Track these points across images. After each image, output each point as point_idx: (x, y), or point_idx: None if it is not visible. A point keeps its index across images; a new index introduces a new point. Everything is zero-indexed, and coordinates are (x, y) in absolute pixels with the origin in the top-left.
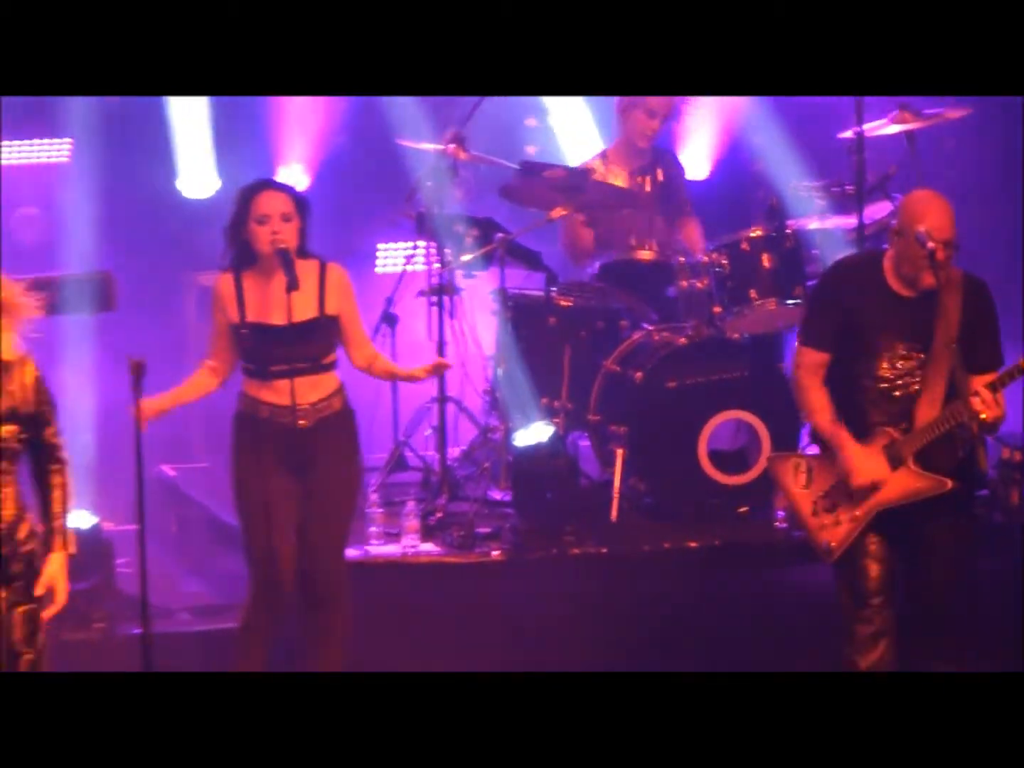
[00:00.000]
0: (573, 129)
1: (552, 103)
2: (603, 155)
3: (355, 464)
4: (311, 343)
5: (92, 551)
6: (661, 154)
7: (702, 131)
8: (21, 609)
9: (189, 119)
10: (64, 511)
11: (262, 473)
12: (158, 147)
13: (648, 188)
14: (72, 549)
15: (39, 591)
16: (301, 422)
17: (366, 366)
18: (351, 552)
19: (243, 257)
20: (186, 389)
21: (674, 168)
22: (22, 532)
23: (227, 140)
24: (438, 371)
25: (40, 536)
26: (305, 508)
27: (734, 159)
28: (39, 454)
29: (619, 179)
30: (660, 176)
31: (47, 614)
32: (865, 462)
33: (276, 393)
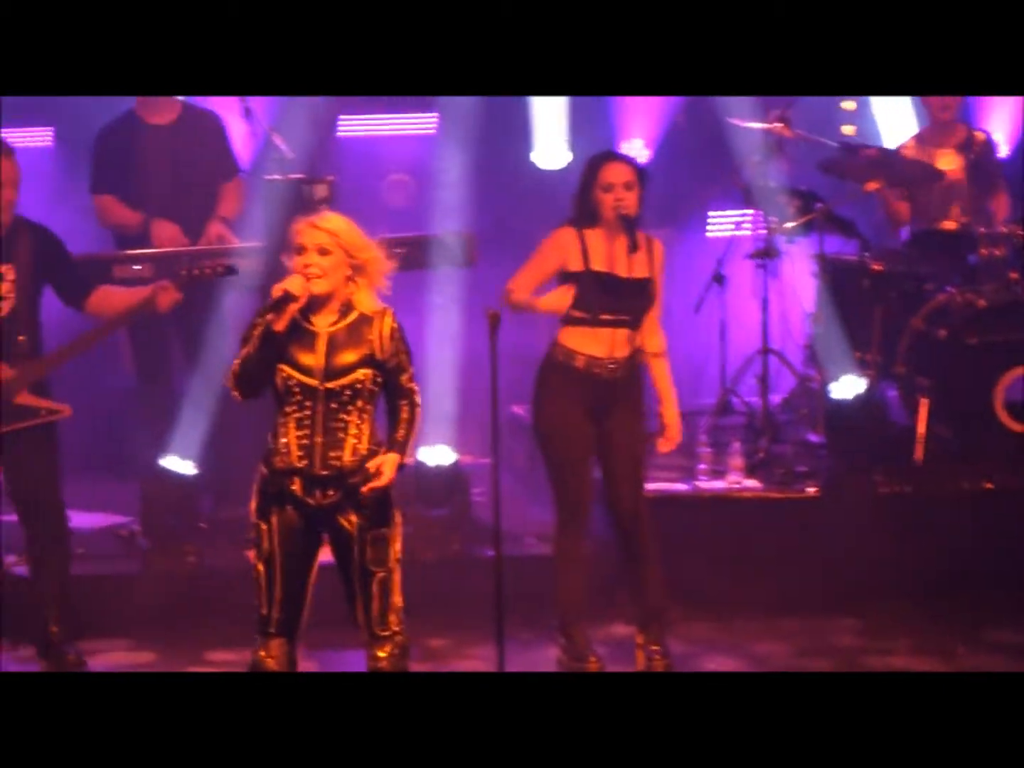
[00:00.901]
0: (889, 111)
1: None
2: (919, 136)
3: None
4: (642, 299)
5: (451, 482)
6: (976, 132)
7: (1003, 114)
8: (372, 533)
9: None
10: (407, 437)
11: (573, 416)
12: (517, 122)
13: (961, 163)
14: (407, 460)
15: (370, 466)
16: (614, 374)
17: (653, 353)
18: (681, 487)
19: (586, 218)
20: None
21: (987, 145)
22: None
23: (579, 117)
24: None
25: None
26: (610, 450)
27: None
28: (394, 397)
29: (935, 157)
30: (974, 152)
31: (366, 488)
32: None
33: (596, 344)
